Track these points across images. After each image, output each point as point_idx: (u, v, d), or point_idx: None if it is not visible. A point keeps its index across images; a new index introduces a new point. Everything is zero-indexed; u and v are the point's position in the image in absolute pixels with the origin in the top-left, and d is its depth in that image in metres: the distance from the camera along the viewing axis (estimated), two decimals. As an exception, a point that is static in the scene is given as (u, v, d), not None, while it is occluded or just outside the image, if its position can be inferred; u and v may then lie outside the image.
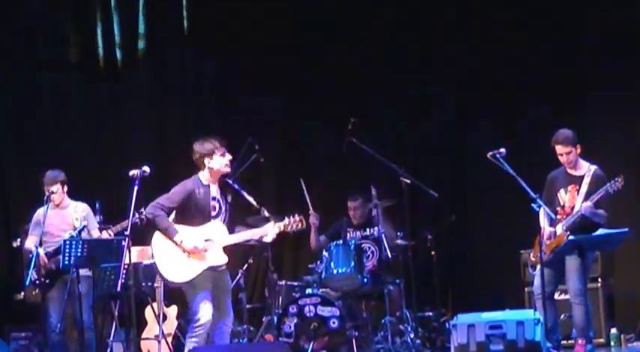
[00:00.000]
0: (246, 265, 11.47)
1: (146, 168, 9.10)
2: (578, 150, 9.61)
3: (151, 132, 12.98)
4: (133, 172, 9.05)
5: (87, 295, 9.95)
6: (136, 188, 8.97)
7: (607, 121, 11.68)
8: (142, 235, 10.02)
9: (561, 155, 9.60)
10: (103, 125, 13.11)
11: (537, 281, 9.52)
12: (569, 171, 9.62)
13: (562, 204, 9.56)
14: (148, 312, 10.97)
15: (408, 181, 10.78)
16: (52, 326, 10.01)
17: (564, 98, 11.90)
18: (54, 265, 9.91)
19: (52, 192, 10.12)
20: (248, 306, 11.29)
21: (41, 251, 10.08)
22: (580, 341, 9.62)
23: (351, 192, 11.41)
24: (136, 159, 10.57)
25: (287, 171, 12.60)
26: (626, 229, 9.70)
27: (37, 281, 9.97)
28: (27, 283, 10.00)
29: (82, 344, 10.09)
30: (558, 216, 9.54)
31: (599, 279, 10.68)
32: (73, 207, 10.26)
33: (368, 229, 11.21)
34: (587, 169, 9.60)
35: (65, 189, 10.24)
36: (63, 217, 10.25)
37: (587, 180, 9.53)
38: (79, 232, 10.02)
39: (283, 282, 11.14)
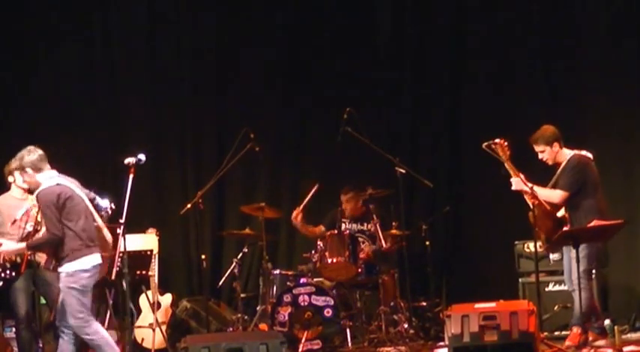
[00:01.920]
0: (240, 254, 11.47)
1: (142, 157, 9.05)
2: (555, 148, 9.77)
3: (146, 122, 12.91)
4: (129, 160, 9.01)
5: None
6: (131, 176, 8.93)
7: (604, 114, 11.67)
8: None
9: (537, 153, 9.80)
10: (98, 112, 12.96)
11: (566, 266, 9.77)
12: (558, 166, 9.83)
13: None
14: (143, 300, 10.96)
15: (403, 171, 10.82)
16: (21, 318, 9.86)
17: (562, 89, 11.92)
18: (19, 258, 9.76)
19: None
20: (242, 295, 11.28)
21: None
22: (575, 330, 9.69)
23: (344, 185, 11.39)
24: (131, 147, 10.44)
25: (281, 160, 12.61)
26: (621, 220, 9.75)
27: (2, 275, 9.85)
28: None
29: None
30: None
31: (593, 270, 10.42)
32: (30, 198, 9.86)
33: (365, 224, 11.22)
34: (567, 157, 9.79)
35: None
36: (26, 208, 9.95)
37: (562, 166, 9.72)
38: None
39: (277, 271, 11.11)
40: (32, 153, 8.77)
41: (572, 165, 9.71)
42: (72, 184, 8.83)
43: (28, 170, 8.74)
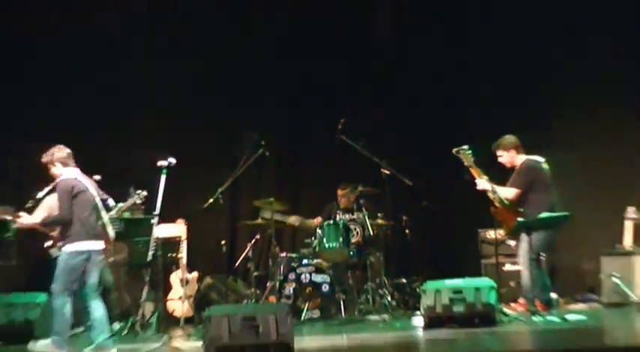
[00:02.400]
0: (253, 240, 11.59)
1: (172, 160, 9.42)
2: (512, 153, 10.03)
3: (160, 126, 12.74)
4: (162, 163, 9.36)
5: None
6: (164, 176, 9.29)
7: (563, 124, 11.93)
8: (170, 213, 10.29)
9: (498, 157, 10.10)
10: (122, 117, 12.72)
11: (519, 250, 9.99)
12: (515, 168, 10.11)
13: None
14: (173, 278, 11.21)
15: (388, 172, 10.93)
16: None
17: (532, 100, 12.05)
18: None
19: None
20: (255, 274, 11.37)
21: None
22: (521, 301, 9.99)
23: (341, 182, 11.53)
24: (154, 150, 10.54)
25: (285, 161, 12.65)
26: (567, 213, 9.98)
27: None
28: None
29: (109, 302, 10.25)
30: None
31: (542, 254, 10.31)
32: None
33: (355, 214, 11.41)
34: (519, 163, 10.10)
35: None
36: None
37: (516, 169, 10.01)
38: None
39: (284, 254, 11.33)
40: (61, 151, 9.10)
41: (522, 168, 9.98)
42: (88, 183, 9.09)
43: (57, 164, 9.04)
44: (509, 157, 10.16)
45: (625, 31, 11.87)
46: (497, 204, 10.02)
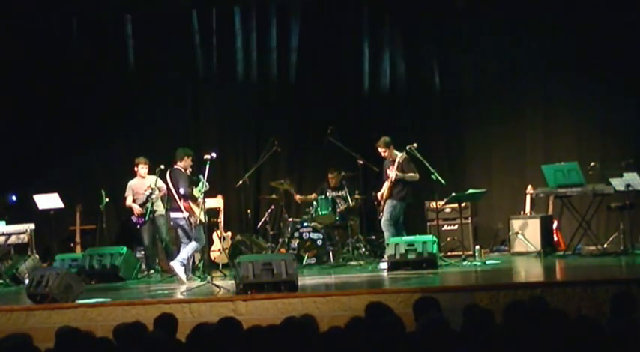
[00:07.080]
0: (270, 209, 11.43)
1: (214, 154, 9.18)
2: (391, 149, 9.86)
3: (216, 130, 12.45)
4: (207, 156, 9.13)
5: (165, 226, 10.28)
6: (207, 166, 9.10)
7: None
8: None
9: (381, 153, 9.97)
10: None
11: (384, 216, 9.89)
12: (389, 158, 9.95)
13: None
14: (214, 235, 11.06)
15: (362, 162, 10.87)
16: (145, 246, 10.34)
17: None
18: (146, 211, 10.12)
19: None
20: (271, 233, 11.20)
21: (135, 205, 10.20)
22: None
23: (330, 168, 11.33)
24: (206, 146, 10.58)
25: (293, 156, 12.24)
26: (484, 190, 10.31)
27: (140, 220, 10.20)
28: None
29: (165, 252, 10.35)
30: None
31: (470, 218, 10.76)
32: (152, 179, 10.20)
33: (340, 191, 11.24)
34: (398, 156, 9.85)
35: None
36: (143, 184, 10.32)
37: (398, 160, 9.83)
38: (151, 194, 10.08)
39: (291, 219, 11.11)
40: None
41: (406, 159, 9.84)
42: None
43: None
44: (388, 152, 9.95)
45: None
46: (386, 190, 9.91)
